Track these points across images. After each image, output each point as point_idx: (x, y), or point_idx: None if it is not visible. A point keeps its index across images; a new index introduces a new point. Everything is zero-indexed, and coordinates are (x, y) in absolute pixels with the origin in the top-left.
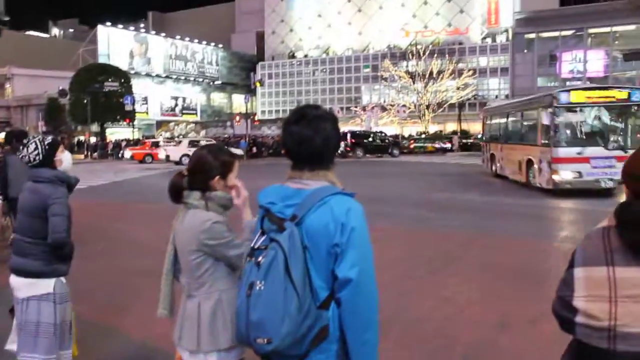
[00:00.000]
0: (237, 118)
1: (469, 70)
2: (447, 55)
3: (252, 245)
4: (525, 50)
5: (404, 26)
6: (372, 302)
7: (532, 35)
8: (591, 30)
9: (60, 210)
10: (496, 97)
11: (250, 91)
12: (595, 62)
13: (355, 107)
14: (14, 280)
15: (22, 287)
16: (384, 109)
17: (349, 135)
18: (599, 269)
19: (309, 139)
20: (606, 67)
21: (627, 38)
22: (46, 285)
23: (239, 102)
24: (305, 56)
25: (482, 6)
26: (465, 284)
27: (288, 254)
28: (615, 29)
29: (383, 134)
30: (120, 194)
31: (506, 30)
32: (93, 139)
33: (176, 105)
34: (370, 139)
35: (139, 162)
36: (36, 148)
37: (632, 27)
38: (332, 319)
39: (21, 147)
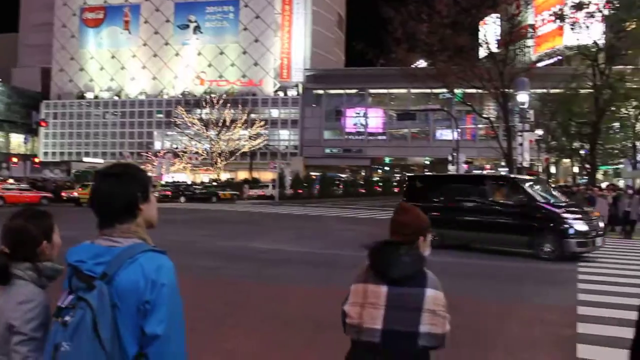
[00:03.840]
0: (15, 159)
1: (261, 120)
2: (240, 105)
3: (58, 304)
4: (314, 105)
5: (199, 74)
6: (180, 357)
7: (321, 91)
8: (371, 91)
9: None
10: (286, 147)
11: (31, 131)
12: (375, 119)
13: (147, 152)
14: None
15: None
16: (176, 155)
17: None
18: (359, 285)
19: (114, 196)
20: (384, 124)
21: (401, 100)
22: None
23: (18, 142)
24: (96, 97)
25: (276, 61)
26: (249, 334)
27: (97, 313)
28: (390, 90)
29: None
30: None
31: (297, 85)
32: None
33: None
34: None
35: None
36: None
37: (404, 90)
38: None
39: None
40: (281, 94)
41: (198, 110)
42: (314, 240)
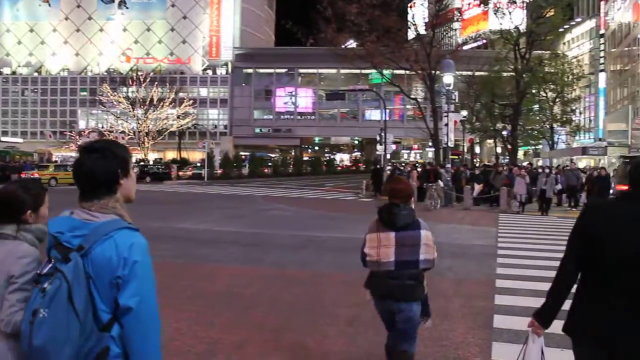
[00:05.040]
0: None
1: (189, 99)
2: (168, 84)
3: (38, 271)
4: (244, 84)
5: (125, 51)
6: (153, 327)
7: (250, 70)
8: (301, 70)
9: None
10: (215, 127)
11: None
12: (305, 99)
13: (71, 132)
14: None
15: None
16: (101, 134)
17: None
18: (373, 234)
19: (97, 171)
20: (314, 104)
21: (330, 80)
22: None
23: None
24: (14, 73)
25: (205, 39)
26: (176, 314)
27: (72, 284)
28: (320, 70)
29: None
30: None
31: (226, 64)
32: None
33: None
34: None
35: None
36: None
37: (333, 70)
38: (116, 338)
39: None
40: (210, 72)
41: (124, 89)
42: (243, 220)
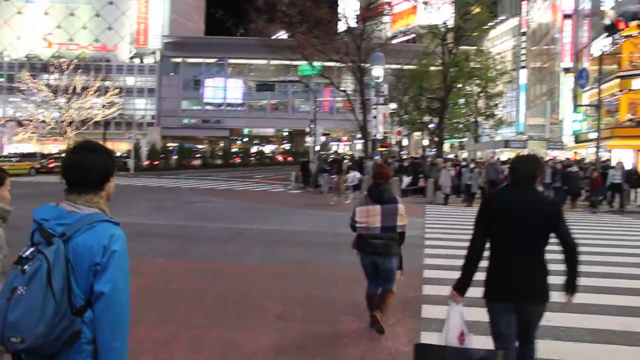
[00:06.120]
0: None
1: (115, 88)
2: (93, 72)
3: (20, 254)
4: (172, 74)
5: (46, 36)
6: (122, 315)
7: (179, 60)
8: (231, 61)
9: None
10: (142, 117)
11: None
12: (235, 89)
13: None
14: None
15: None
16: (20, 124)
17: None
18: (363, 207)
19: (81, 168)
20: (243, 95)
21: (260, 71)
22: None
23: None
24: None
25: (132, 26)
26: None
27: (52, 265)
28: (250, 61)
29: None
30: None
31: (154, 52)
32: None
33: None
34: None
35: None
36: None
37: (263, 61)
38: (88, 324)
39: None
40: (137, 61)
41: (45, 76)
42: (170, 212)
